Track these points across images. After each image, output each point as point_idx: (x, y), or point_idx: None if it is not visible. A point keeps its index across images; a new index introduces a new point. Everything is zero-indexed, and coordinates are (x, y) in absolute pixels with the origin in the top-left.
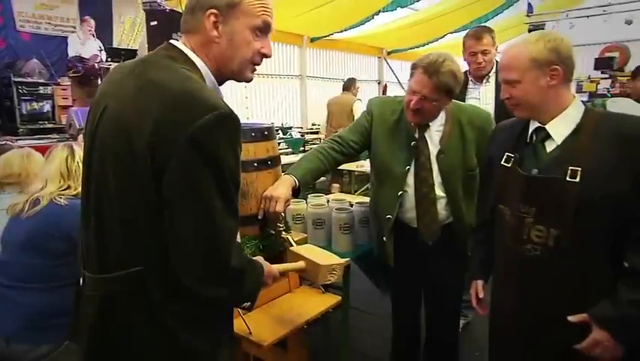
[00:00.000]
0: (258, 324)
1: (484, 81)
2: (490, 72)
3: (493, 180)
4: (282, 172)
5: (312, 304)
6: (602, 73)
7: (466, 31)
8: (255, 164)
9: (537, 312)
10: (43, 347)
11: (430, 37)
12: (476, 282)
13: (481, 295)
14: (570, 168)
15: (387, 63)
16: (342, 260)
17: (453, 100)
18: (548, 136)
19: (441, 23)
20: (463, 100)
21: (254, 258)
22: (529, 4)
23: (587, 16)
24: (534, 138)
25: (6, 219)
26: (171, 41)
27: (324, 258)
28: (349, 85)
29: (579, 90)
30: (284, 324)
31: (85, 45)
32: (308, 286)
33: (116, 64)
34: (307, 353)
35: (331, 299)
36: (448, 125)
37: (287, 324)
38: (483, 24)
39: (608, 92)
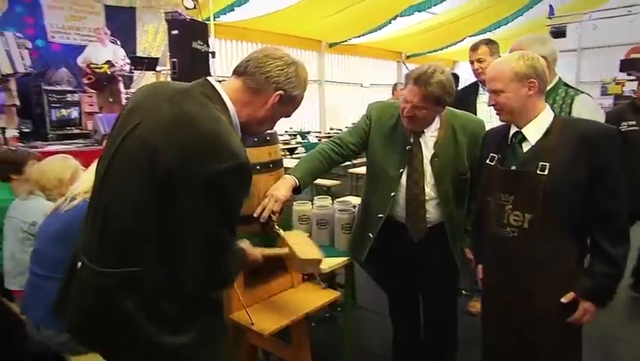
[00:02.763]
0: (260, 316)
1: None
2: None
3: (482, 176)
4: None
5: (313, 298)
6: (627, 75)
7: (486, 34)
8: (258, 167)
9: (517, 284)
10: (67, 334)
11: (448, 40)
12: (478, 266)
13: (480, 277)
14: (540, 163)
15: (406, 67)
16: (320, 257)
17: (447, 107)
18: (525, 138)
19: (460, 27)
20: (475, 103)
21: (238, 244)
22: (551, 7)
23: (612, 17)
24: (513, 140)
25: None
26: (209, 79)
27: (307, 249)
28: (393, 89)
29: (604, 93)
30: (284, 316)
31: (99, 53)
32: (310, 283)
33: (139, 71)
34: (310, 346)
35: (331, 295)
36: (442, 131)
37: (287, 316)
38: (503, 26)
39: (634, 93)
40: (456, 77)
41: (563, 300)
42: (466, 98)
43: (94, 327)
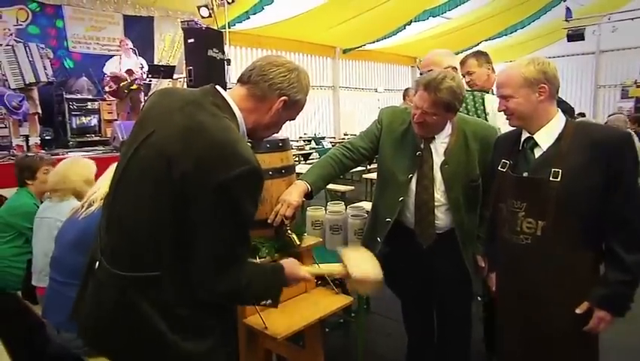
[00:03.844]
0: (273, 320)
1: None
2: (490, 86)
3: (494, 183)
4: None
5: (326, 303)
6: None
7: (502, 38)
8: (270, 172)
9: (531, 292)
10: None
11: (463, 45)
12: (491, 275)
13: (493, 288)
14: (553, 169)
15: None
16: (377, 276)
17: (459, 113)
18: (536, 144)
19: (475, 31)
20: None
21: (278, 262)
22: (568, 9)
23: (632, 19)
24: (525, 145)
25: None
26: (218, 88)
27: (364, 268)
28: (404, 95)
29: (624, 96)
30: (298, 320)
31: (122, 63)
32: (323, 288)
33: (156, 79)
34: (323, 351)
35: (344, 300)
36: (453, 137)
37: (300, 320)
38: (519, 30)
39: None
40: None
41: (578, 311)
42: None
43: (110, 328)
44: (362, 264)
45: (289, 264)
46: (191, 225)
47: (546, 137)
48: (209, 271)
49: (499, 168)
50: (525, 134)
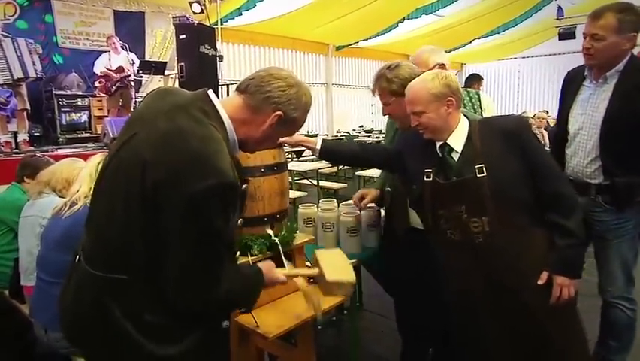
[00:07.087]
0: (265, 318)
1: (601, 80)
2: (609, 68)
3: (424, 193)
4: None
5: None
6: None
7: (494, 36)
8: (262, 169)
9: (503, 284)
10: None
11: (456, 43)
12: None
13: None
14: (476, 167)
15: None
16: (351, 279)
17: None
18: (452, 149)
19: (467, 29)
20: (572, 100)
21: (257, 264)
22: (560, 8)
23: None
24: (443, 152)
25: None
26: (209, 93)
27: (338, 271)
28: None
29: None
30: (290, 319)
31: (112, 60)
32: (316, 285)
33: (148, 76)
34: (316, 350)
35: (337, 297)
36: None
37: (293, 319)
38: (511, 28)
39: None
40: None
41: (540, 282)
42: (564, 93)
43: (84, 325)
44: (336, 267)
45: (266, 266)
46: (161, 235)
47: (457, 140)
48: (174, 283)
49: (425, 178)
50: (438, 142)
